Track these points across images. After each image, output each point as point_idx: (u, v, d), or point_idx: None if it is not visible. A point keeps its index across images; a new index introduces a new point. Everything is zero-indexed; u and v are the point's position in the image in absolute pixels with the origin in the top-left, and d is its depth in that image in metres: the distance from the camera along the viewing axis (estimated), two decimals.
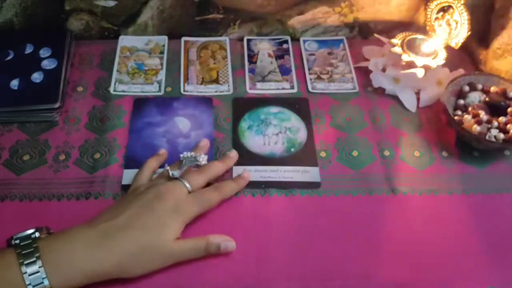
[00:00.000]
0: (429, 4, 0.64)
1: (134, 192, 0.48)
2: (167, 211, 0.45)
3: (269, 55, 0.70)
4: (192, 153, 0.52)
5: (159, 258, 0.44)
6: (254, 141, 0.58)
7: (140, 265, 0.43)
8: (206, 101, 0.63)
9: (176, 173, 0.49)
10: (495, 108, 0.58)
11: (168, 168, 0.50)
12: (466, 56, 0.71)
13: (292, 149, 0.58)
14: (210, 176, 0.51)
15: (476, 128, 0.55)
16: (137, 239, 0.42)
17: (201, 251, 0.46)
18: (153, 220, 0.44)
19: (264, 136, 0.59)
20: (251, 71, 0.67)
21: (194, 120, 0.60)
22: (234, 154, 0.54)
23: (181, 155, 0.51)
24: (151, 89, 0.64)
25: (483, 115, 0.56)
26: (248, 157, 0.56)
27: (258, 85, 0.65)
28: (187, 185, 0.48)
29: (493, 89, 0.60)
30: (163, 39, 0.70)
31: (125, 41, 0.70)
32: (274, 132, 0.59)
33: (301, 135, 0.59)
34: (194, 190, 0.48)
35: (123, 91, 0.63)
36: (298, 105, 0.63)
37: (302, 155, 0.57)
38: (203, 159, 0.51)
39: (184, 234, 0.46)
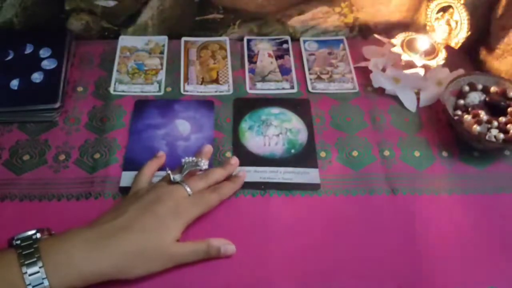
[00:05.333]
0: (429, 4, 0.64)
1: (135, 195, 0.48)
2: (167, 213, 0.45)
3: (269, 55, 0.70)
4: (194, 158, 0.52)
5: (158, 260, 0.44)
6: (254, 142, 0.58)
7: (140, 267, 0.43)
8: (207, 104, 0.63)
9: (177, 177, 0.49)
10: (495, 108, 0.58)
11: (169, 172, 0.50)
12: (466, 56, 0.71)
13: (293, 150, 0.58)
14: (210, 182, 0.51)
15: (476, 128, 0.55)
16: (136, 240, 0.43)
17: (201, 254, 0.46)
18: (153, 222, 0.44)
19: (265, 137, 0.59)
20: (251, 71, 0.67)
21: (195, 123, 0.60)
22: (235, 161, 0.54)
23: (183, 160, 0.52)
24: (151, 89, 0.64)
25: (483, 115, 0.56)
26: (248, 158, 0.56)
27: (258, 85, 0.65)
28: (188, 188, 0.48)
29: (493, 89, 0.60)
30: (163, 39, 0.70)
31: (125, 41, 0.70)
32: (274, 133, 0.59)
33: (302, 137, 0.59)
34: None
35: (123, 91, 0.63)
36: (299, 106, 0.63)
37: (302, 157, 0.57)
38: (204, 164, 0.52)
39: (184, 235, 0.46)
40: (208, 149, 0.55)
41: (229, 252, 0.47)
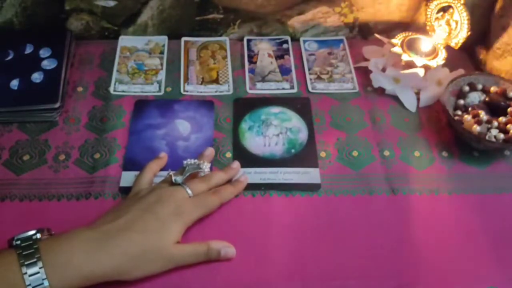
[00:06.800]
0: (429, 4, 0.64)
1: (136, 196, 0.48)
2: (168, 215, 0.45)
3: (269, 55, 0.69)
4: (196, 160, 0.52)
5: (158, 262, 0.44)
6: (254, 142, 0.58)
7: (140, 268, 0.43)
8: (207, 104, 0.62)
9: (178, 178, 0.49)
10: (495, 108, 0.58)
11: (171, 173, 0.50)
12: (466, 56, 0.71)
13: (293, 150, 0.58)
14: (211, 185, 0.51)
15: (476, 128, 0.55)
16: (137, 241, 0.43)
17: (201, 256, 0.46)
18: (154, 223, 0.44)
19: (265, 137, 0.59)
20: (251, 71, 0.67)
21: (195, 123, 0.60)
22: (236, 165, 0.54)
23: (185, 162, 0.52)
24: (151, 89, 0.64)
25: (483, 115, 0.56)
26: (248, 159, 0.56)
27: (258, 85, 0.65)
28: (189, 191, 0.48)
29: (493, 89, 0.60)
30: (163, 39, 0.70)
31: (125, 41, 0.70)
32: (274, 133, 0.59)
33: (302, 136, 0.59)
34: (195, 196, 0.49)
35: (123, 91, 0.63)
36: (299, 105, 0.63)
37: (303, 156, 0.57)
38: (206, 167, 0.52)
39: (184, 235, 0.46)
40: (210, 152, 0.55)
41: (229, 255, 0.47)
